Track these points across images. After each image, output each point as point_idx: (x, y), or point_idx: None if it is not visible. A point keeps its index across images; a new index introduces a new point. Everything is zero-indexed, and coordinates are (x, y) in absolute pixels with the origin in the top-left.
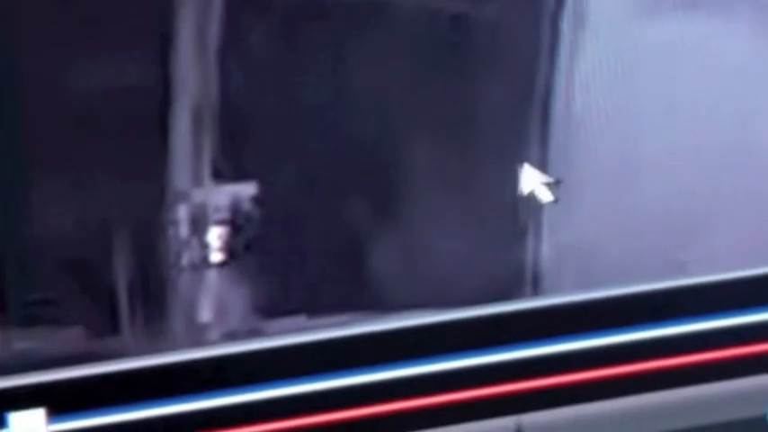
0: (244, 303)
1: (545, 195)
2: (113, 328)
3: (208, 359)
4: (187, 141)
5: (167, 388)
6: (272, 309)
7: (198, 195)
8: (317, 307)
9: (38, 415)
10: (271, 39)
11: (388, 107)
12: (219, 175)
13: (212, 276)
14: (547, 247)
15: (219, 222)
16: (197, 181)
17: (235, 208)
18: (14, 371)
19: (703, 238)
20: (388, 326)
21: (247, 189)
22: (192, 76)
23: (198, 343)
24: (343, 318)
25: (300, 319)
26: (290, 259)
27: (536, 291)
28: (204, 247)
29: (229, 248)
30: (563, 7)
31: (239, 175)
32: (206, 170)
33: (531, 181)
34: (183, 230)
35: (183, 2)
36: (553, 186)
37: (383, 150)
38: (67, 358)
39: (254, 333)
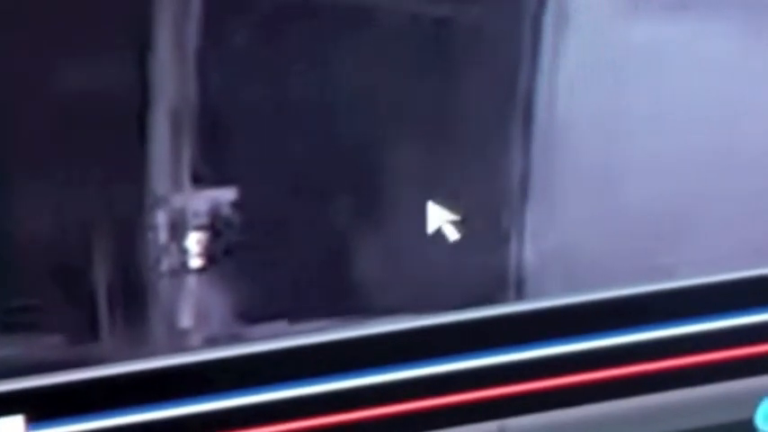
0: (224, 309)
1: (451, 234)
2: (93, 334)
3: (188, 365)
4: (166, 146)
5: (148, 394)
6: (253, 314)
7: (177, 200)
8: (298, 312)
9: (17, 422)
10: (250, 41)
11: (371, 110)
12: (199, 180)
13: (192, 282)
14: (530, 251)
15: (199, 228)
16: (176, 186)
17: (214, 213)
18: None
19: (689, 240)
20: (370, 331)
21: (227, 194)
22: (170, 78)
23: (178, 349)
24: (325, 323)
25: (282, 325)
26: (270, 264)
27: (520, 294)
28: (183, 252)
29: (209, 254)
30: (545, 8)
31: (219, 180)
32: (185, 175)
33: (436, 219)
34: (163, 236)
35: (160, 3)
36: (459, 224)
37: (365, 154)
38: (46, 365)
39: (235, 338)
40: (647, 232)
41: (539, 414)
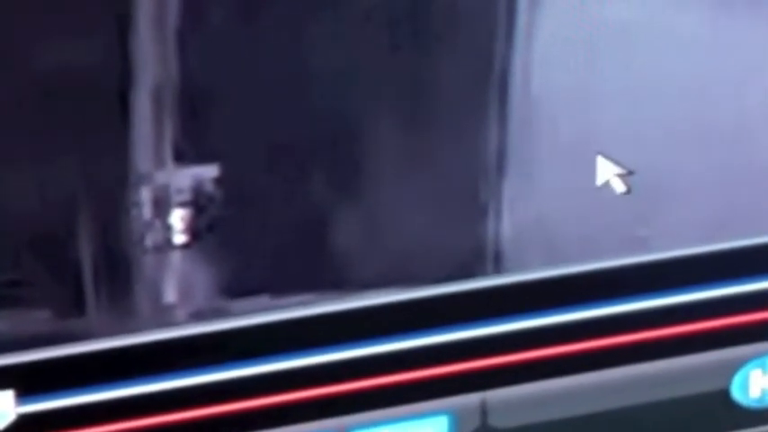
0: (208, 284)
1: None
2: (79, 309)
3: (173, 339)
4: (148, 123)
5: (134, 368)
6: (236, 289)
7: (160, 177)
8: (280, 286)
9: (7, 396)
10: (231, 17)
11: (350, 86)
12: (181, 157)
13: (176, 257)
14: (508, 224)
15: (182, 204)
16: (159, 163)
17: (197, 189)
18: None
19: (664, 213)
20: (351, 305)
21: (209, 171)
22: (152, 56)
23: (163, 323)
24: (307, 297)
25: (264, 299)
26: (252, 240)
27: (498, 268)
28: (167, 228)
29: (192, 230)
30: None
31: (201, 157)
32: (168, 152)
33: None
34: (146, 212)
35: None
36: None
37: (345, 129)
38: (34, 340)
39: (218, 313)
40: (622, 205)
41: (519, 386)
